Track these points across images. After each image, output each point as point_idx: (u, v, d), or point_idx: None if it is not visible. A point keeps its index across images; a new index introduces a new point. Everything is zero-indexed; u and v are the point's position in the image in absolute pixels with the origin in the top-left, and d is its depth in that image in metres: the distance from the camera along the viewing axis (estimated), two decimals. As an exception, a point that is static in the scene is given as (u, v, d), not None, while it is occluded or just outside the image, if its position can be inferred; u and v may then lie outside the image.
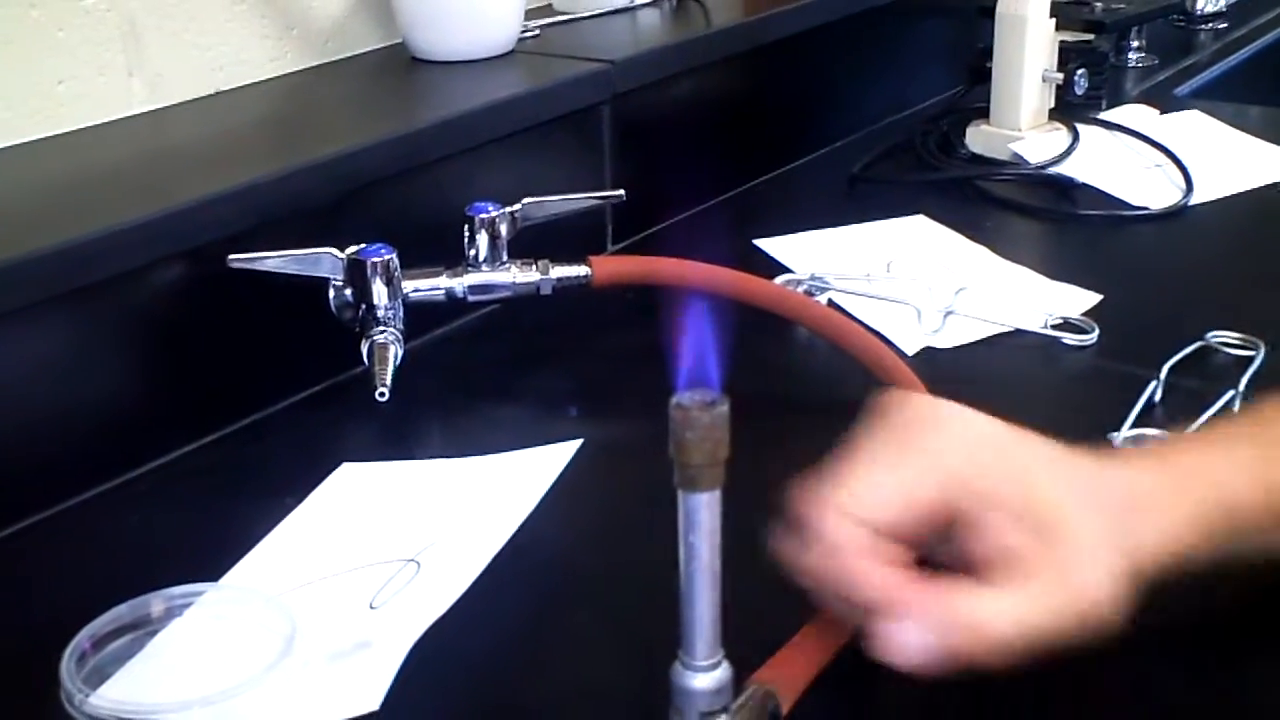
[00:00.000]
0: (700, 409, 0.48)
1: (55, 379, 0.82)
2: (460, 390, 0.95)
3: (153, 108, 1.04)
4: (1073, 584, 0.59)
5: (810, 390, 0.95)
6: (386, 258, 0.91)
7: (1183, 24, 1.84)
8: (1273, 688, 0.65)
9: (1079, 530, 0.60)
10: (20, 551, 0.79)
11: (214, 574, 0.73)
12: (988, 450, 0.62)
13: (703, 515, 0.50)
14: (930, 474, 0.61)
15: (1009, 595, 0.58)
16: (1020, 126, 1.34)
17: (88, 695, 0.64)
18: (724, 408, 0.48)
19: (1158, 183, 1.27)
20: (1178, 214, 1.23)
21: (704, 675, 0.53)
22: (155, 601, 0.70)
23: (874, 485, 0.61)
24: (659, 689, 0.55)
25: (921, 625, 0.57)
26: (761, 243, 1.15)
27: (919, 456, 0.62)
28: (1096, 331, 0.97)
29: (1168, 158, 1.30)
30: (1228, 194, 1.26)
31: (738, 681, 0.55)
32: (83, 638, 0.67)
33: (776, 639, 0.62)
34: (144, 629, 0.69)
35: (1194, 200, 1.24)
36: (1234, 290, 1.07)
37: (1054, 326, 0.99)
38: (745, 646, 0.56)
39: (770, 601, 0.61)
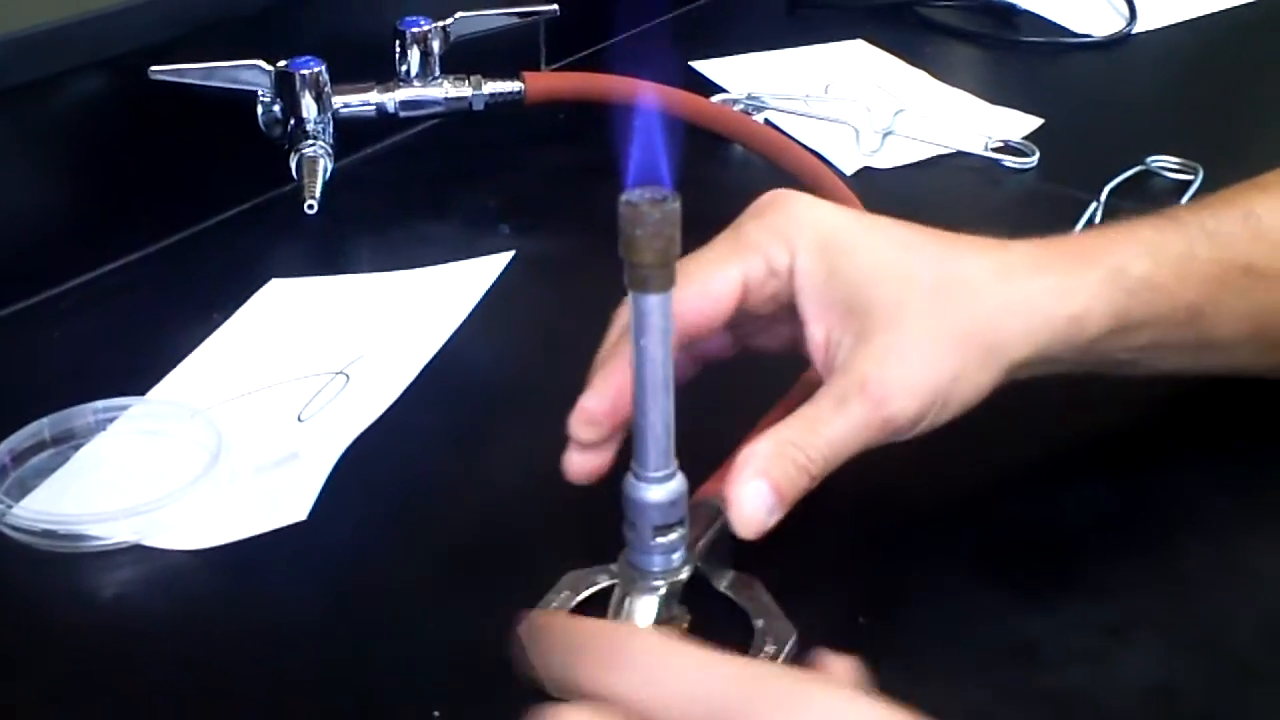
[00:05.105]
0: (651, 205, 0.44)
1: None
2: (391, 208, 0.93)
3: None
4: (871, 393, 0.53)
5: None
6: (316, 70, 0.88)
7: None
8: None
9: (902, 326, 0.54)
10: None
11: (140, 390, 0.72)
12: (826, 238, 0.56)
13: (655, 318, 0.47)
14: (753, 264, 0.56)
15: (810, 412, 0.54)
16: (962, -50, 1.31)
17: (9, 507, 0.63)
18: (675, 204, 0.45)
19: (1101, 10, 1.26)
20: (1120, 42, 1.22)
21: (658, 487, 0.50)
22: (79, 415, 0.69)
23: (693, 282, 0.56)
24: (603, 499, 0.53)
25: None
26: (698, 64, 1.13)
27: (746, 248, 0.57)
28: (1037, 154, 0.97)
29: (1112, -16, 1.29)
30: (1170, 23, 1.25)
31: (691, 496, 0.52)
32: (2, 451, 0.66)
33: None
34: (68, 443, 0.68)
35: (1137, 28, 1.23)
36: (1174, 116, 1.08)
37: (994, 149, 0.98)
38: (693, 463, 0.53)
39: (719, 417, 0.59)
